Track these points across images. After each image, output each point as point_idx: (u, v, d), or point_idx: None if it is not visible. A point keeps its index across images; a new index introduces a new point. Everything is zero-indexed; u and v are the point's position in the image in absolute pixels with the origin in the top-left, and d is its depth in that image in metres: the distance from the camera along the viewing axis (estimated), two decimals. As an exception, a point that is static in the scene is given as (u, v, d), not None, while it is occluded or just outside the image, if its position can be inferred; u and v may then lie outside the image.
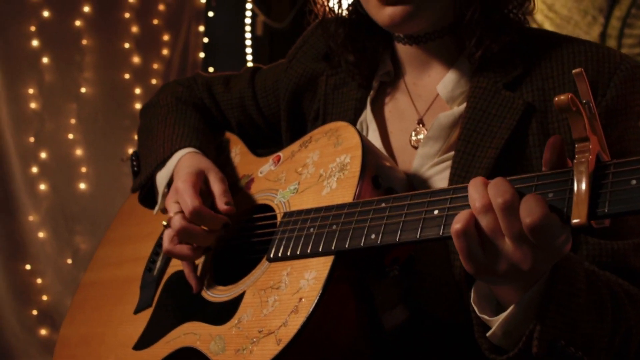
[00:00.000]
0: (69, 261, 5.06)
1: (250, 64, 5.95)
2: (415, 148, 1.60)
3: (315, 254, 1.40)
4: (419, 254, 1.46)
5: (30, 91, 4.95)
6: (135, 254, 1.87)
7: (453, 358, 1.51)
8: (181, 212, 1.59)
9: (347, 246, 1.36)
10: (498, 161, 1.46)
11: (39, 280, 4.89)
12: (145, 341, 1.68)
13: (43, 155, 4.99)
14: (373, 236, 1.33)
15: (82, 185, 5.16)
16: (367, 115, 1.68)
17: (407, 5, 1.50)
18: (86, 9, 5.21)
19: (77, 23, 5.17)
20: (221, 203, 1.62)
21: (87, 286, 2.00)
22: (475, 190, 1.18)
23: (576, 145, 1.11)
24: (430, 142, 1.56)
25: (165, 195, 1.73)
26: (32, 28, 4.94)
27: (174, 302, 1.69)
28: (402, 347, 1.47)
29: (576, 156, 1.10)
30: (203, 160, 1.71)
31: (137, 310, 1.76)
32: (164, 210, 1.71)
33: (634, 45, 4.75)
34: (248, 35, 5.95)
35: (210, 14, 5.95)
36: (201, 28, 5.84)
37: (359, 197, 1.42)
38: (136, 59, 5.47)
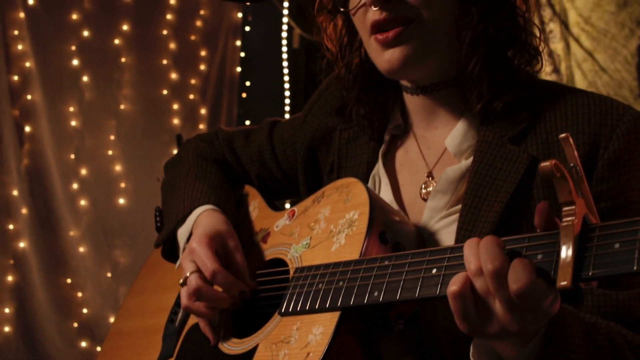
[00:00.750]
0: (109, 275, 5.18)
1: (287, 77, 6.02)
2: (425, 200, 1.62)
3: (322, 309, 1.44)
4: (428, 306, 1.48)
5: (71, 109, 5.09)
6: (159, 304, 1.93)
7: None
8: (197, 271, 1.63)
9: (351, 303, 1.40)
10: (504, 215, 1.47)
11: (80, 294, 5.02)
12: (167, 389, 1.74)
13: (83, 171, 5.12)
14: (376, 294, 1.36)
15: (121, 200, 5.27)
16: (380, 169, 1.71)
17: (404, 46, 1.52)
18: (125, 27, 5.33)
19: (116, 41, 5.29)
20: (248, 279, 1.67)
21: (115, 335, 2.07)
22: (470, 251, 1.21)
23: (563, 209, 1.13)
24: (439, 196, 1.58)
25: (185, 250, 1.78)
26: (73, 47, 5.08)
27: (193, 353, 1.74)
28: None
29: (563, 219, 1.12)
30: (220, 221, 1.75)
31: None
32: None
33: (673, 59, 4.68)
34: (284, 48, 6.01)
35: (247, 28, 6.03)
36: (238, 43, 5.92)
37: (365, 254, 1.45)
38: (174, 75, 5.57)
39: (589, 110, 1.49)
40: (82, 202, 5.10)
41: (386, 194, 1.67)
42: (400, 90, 1.71)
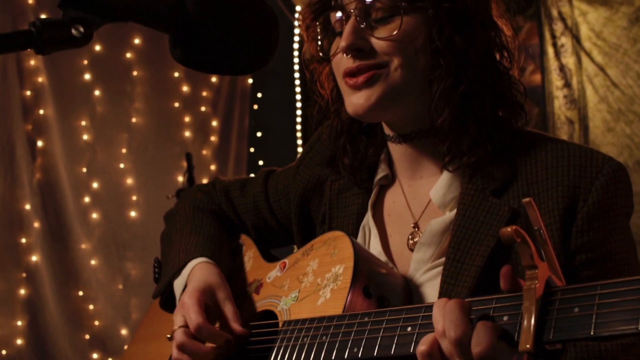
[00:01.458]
0: (120, 287, 5.24)
1: (298, 89, 6.04)
2: (412, 251, 1.63)
3: (307, 364, 1.47)
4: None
5: (83, 123, 5.14)
6: (159, 352, 1.96)
7: None
8: (184, 326, 1.67)
9: (333, 358, 1.43)
10: (485, 269, 1.48)
11: (91, 306, 5.08)
12: None
13: (95, 185, 5.17)
14: (355, 349, 1.41)
15: (133, 213, 5.32)
16: (369, 219, 1.72)
17: (370, 90, 1.54)
18: (136, 40, 5.37)
19: (128, 55, 5.33)
20: (236, 325, 1.70)
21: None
22: (438, 312, 1.25)
23: (526, 272, 1.16)
24: (424, 248, 1.59)
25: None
26: (85, 62, 5.13)
27: None
28: None
29: (526, 283, 1.15)
30: (212, 274, 1.79)
31: None
32: None
33: (686, 75, 4.63)
34: (296, 60, 6.02)
35: (259, 40, 6.04)
36: (249, 54, 5.93)
37: (349, 308, 1.49)
38: (185, 88, 5.61)
39: (568, 163, 1.50)
40: (94, 215, 5.16)
41: (376, 244, 1.69)
42: (385, 140, 1.72)
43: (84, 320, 5.06)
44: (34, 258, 4.85)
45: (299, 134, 6.00)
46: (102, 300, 5.12)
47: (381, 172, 1.73)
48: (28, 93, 4.89)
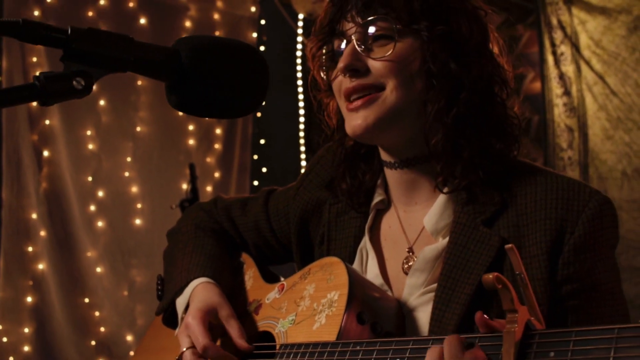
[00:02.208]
0: (125, 293, 5.31)
1: (301, 96, 6.09)
2: (407, 274, 1.69)
3: (300, 388, 1.54)
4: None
5: (88, 133, 5.21)
6: None
7: None
8: (192, 347, 1.75)
9: (325, 383, 1.49)
10: (474, 297, 1.54)
11: (97, 313, 5.15)
12: None
13: (100, 193, 5.24)
14: None
15: (138, 221, 5.39)
16: (366, 243, 1.79)
17: (367, 111, 1.62)
18: (141, 50, 5.43)
19: (132, 65, 5.39)
20: (242, 342, 1.77)
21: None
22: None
23: (507, 315, 1.22)
24: (417, 274, 1.66)
25: (183, 319, 1.88)
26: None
27: None
28: None
29: (506, 326, 1.21)
30: (214, 294, 1.86)
31: None
32: None
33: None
34: (299, 67, 6.08)
35: (262, 48, 6.11)
36: (253, 62, 5.99)
37: (342, 335, 1.56)
38: (189, 96, 5.66)
39: (556, 196, 1.55)
40: (100, 224, 5.23)
41: (373, 267, 1.75)
42: (382, 165, 1.78)
43: (90, 326, 5.14)
44: (41, 266, 4.92)
45: (302, 141, 6.06)
46: (107, 307, 5.19)
47: (378, 197, 1.79)
48: (34, 104, 4.96)
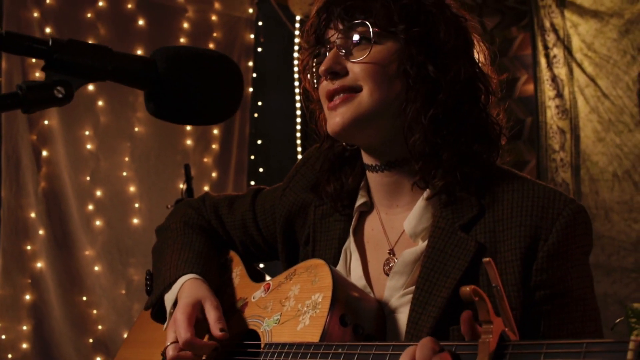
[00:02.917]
0: (123, 292, 5.37)
1: (298, 97, 6.15)
2: (388, 276, 1.75)
3: (284, 386, 1.61)
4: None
5: (87, 133, 5.27)
6: (148, 358, 2.08)
7: None
8: (176, 341, 1.80)
9: (307, 383, 1.55)
10: (450, 300, 1.60)
11: (95, 311, 5.22)
12: None
13: (98, 193, 5.31)
14: None
15: (135, 220, 5.45)
16: (350, 244, 1.85)
17: (345, 110, 1.68)
18: (139, 51, 5.49)
19: (131, 66, 5.45)
20: (216, 330, 1.82)
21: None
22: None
23: (483, 326, 1.26)
24: (397, 276, 1.71)
25: (171, 314, 1.94)
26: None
27: None
28: None
29: (481, 336, 1.25)
30: (201, 289, 1.91)
31: None
32: None
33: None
34: (296, 68, 6.14)
35: (259, 49, 6.17)
36: (250, 63, 6.06)
37: (325, 336, 1.61)
38: (187, 97, 5.72)
39: (532, 203, 1.60)
40: (98, 223, 5.29)
41: (356, 267, 1.81)
42: (364, 169, 1.84)
43: (88, 324, 5.20)
44: (39, 264, 4.99)
45: (298, 141, 6.12)
46: (105, 305, 5.26)
47: (361, 199, 1.85)
48: (33, 105, 5.02)
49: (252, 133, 6.10)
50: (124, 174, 5.43)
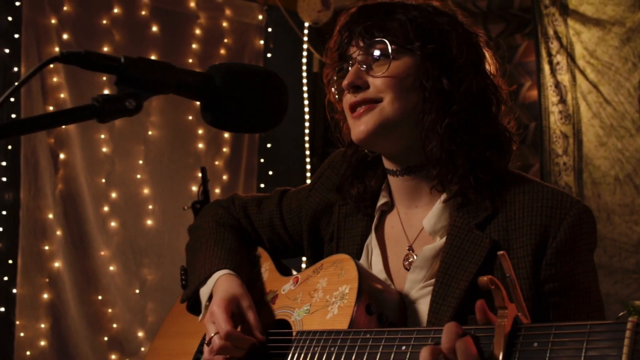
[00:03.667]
0: (137, 291, 5.51)
1: (306, 101, 6.29)
2: (408, 270, 1.90)
3: (318, 369, 1.75)
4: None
5: (102, 136, 5.41)
6: (183, 348, 2.24)
7: None
8: (217, 333, 1.95)
9: (339, 366, 1.70)
10: (467, 292, 1.75)
11: (110, 310, 5.35)
12: None
13: (113, 195, 5.45)
14: None
15: (149, 222, 5.59)
16: (372, 240, 2.00)
17: (367, 120, 1.84)
18: (153, 57, 5.62)
19: (145, 71, 5.58)
20: (257, 333, 1.98)
21: (144, 373, 2.38)
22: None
23: (498, 311, 1.41)
24: (417, 270, 1.86)
25: (207, 307, 2.09)
26: (104, 78, 5.40)
27: None
28: None
29: (498, 320, 1.41)
30: (236, 285, 2.06)
31: None
32: None
33: (674, 92, 4.86)
34: (304, 73, 6.28)
35: (269, 55, 6.31)
36: (260, 69, 6.18)
37: (353, 324, 1.75)
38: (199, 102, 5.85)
39: (542, 204, 1.76)
40: (113, 224, 5.43)
41: (377, 262, 1.96)
42: (386, 173, 2.00)
43: (103, 323, 5.33)
44: (57, 264, 5.13)
45: (306, 145, 6.25)
46: (119, 305, 5.39)
47: (382, 199, 2.00)
48: (51, 108, 5.16)
49: (262, 137, 6.23)
50: (138, 176, 5.57)
